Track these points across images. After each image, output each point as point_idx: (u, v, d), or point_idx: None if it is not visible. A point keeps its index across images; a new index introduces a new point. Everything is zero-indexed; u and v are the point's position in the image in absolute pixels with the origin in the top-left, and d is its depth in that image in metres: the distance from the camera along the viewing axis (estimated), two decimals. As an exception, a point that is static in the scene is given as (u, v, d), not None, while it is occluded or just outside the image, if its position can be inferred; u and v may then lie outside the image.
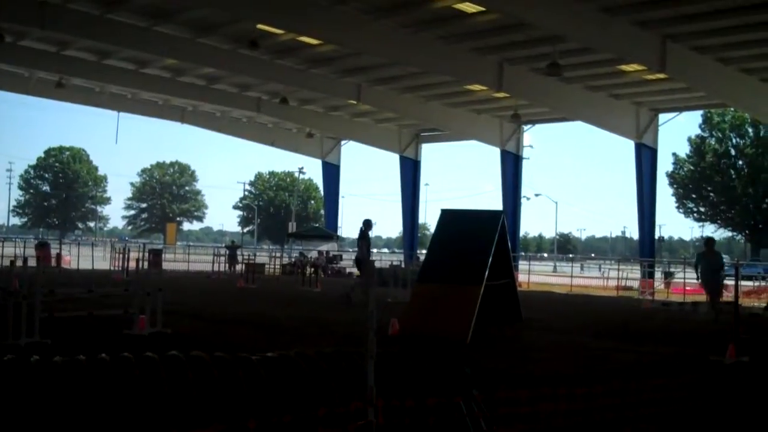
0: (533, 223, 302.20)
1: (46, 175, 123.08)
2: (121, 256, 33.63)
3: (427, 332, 13.09)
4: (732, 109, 59.87)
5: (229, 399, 4.88)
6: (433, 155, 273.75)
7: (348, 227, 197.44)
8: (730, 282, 21.29)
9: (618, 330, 16.16)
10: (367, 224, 21.38)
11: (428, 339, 12.52)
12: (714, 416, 5.55)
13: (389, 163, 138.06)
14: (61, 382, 5.14)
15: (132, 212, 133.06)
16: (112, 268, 34.25)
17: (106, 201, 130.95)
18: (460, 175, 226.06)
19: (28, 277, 12.46)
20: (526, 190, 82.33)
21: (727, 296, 20.19)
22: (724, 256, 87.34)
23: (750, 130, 69.20)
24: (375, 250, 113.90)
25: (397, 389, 4.72)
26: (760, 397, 5.93)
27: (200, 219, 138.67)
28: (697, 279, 21.50)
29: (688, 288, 29.56)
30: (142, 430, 4.77)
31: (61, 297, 15.35)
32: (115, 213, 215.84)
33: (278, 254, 49.03)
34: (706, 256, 20.24)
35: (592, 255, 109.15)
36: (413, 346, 10.67)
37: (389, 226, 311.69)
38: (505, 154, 41.67)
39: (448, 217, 16.30)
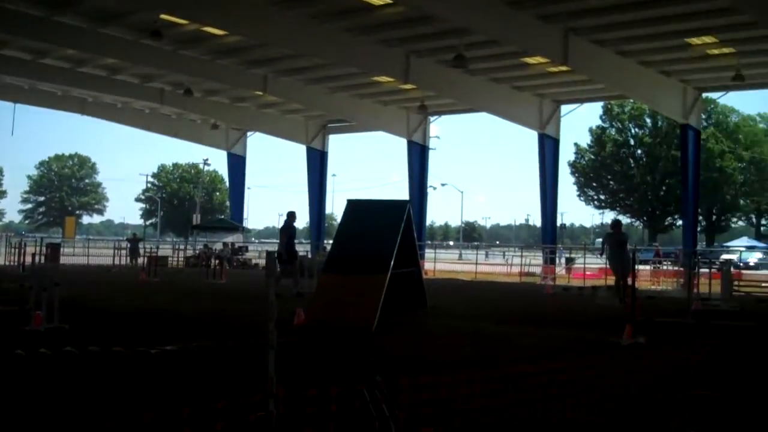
0: (439, 212, 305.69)
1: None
2: (17, 250, 32.51)
3: (334, 321, 13.09)
4: (631, 100, 61.70)
5: (127, 394, 4.76)
6: (340, 146, 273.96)
7: (254, 219, 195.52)
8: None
9: (520, 315, 16.49)
10: (290, 216, 21.24)
11: (334, 328, 12.52)
12: (613, 395, 5.71)
13: (296, 154, 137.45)
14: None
15: (29, 206, 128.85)
16: (7, 263, 33.11)
17: (2, 194, 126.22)
18: (368, 165, 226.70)
19: None
20: (432, 179, 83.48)
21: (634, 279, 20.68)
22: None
23: (648, 120, 71.62)
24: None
25: (300, 379, 4.69)
26: (656, 377, 6.12)
27: (101, 212, 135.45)
28: (604, 260, 22.00)
29: (588, 273, 30.40)
30: (28, 428, 4.60)
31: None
32: (12, 207, 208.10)
33: (182, 247, 48.13)
34: (613, 237, 20.60)
35: (497, 242, 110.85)
36: (317, 336, 10.64)
37: (297, 217, 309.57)
38: (411, 145, 41.96)
39: (354, 207, 16.32)
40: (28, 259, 29.26)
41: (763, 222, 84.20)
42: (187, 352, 5.39)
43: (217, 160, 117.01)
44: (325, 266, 15.69)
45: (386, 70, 32.41)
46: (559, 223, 48.86)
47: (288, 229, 21.25)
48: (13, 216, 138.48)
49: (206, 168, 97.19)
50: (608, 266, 22.05)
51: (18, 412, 4.73)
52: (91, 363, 5.15)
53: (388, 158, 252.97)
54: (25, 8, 27.44)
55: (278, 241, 22.37)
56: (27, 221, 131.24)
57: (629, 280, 18.48)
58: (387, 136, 47.08)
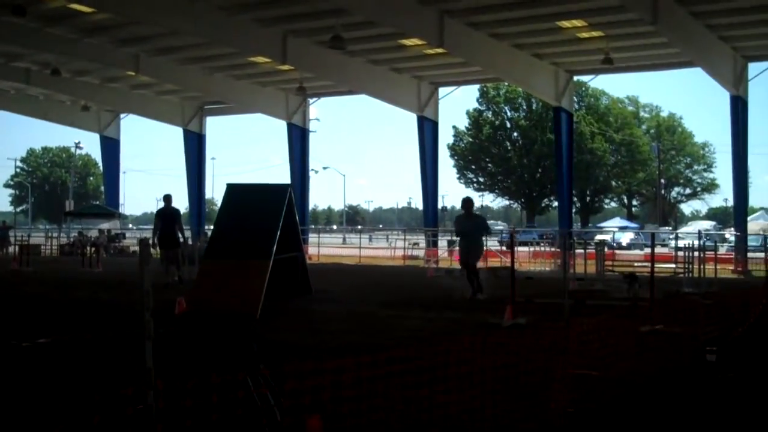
0: (322, 196, 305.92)
1: None
2: None
3: (217, 309, 12.84)
4: (506, 83, 63.02)
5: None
6: (218, 129, 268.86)
7: (131, 205, 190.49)
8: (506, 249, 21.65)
9: (405, 299, 16.60)
10: (165, 199, 20.38)
11: (217, 315, 12.28)
12: (496, 376, 5.77)
13: (173, 136, 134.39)
14: None
15: None
16: None
17: None
18: (248, 149, 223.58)
19: None
20: (314, 163, 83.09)
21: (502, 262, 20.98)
22: (501, 223, 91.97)
23: (523, 103, 73.26)
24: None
25: (180, 370, 4.53)
26: (534, 357, 6.23)
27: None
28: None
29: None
30: None
31: None
32: None
33: (56, 234, 46.36)
34: (466, 219, 17.59)
35: (380, 226, 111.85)
36: (199, 324, 10.41)
37: (175, 201, 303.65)
38: (291, 127, 41.63)
39: (234, 191, 16.03)
40: None
41: (634, 203, 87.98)
42: (62, 344, 5.15)
43: (89, 144, 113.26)
44: (206, 252, 15.38)
45: (263, 51, 31.96)
46: (440, 205, 49.60)
47: (163, 214, 20.09)
48: None
49: (78, 152, 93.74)
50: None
51: None
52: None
53: (268, 141, 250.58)
54: None
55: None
56: None
57: (478, 265, 17.49)
58: (266, 119, 46.61)
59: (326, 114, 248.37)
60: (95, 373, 4.97)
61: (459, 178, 77.80)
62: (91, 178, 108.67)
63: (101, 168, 63.21)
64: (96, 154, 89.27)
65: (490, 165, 76.13)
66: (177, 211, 20.85)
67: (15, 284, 20.09)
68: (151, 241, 19.05)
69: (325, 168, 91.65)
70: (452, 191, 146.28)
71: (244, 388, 4.69)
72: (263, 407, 4.89)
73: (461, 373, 5.55)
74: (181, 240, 19.87)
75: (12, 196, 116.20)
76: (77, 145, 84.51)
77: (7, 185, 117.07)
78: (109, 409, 3.94)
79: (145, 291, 3.92)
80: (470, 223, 17.38)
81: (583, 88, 67.22)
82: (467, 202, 17.88)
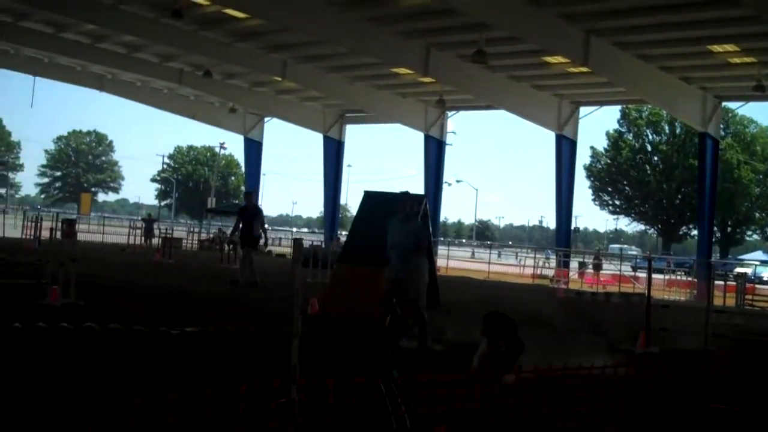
0: (453, 208, 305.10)
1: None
2: (33, 224, 32.67)
3: (346, 313, 13.10)
4: (649, 105, 61.40)
5: (148, 372, 4.78)
6: (356, 136, 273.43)
7: (268, 205, 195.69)
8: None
9: (533, 317, 16.43)
10: (247, 197, 20.14)
11: (347, 319, 12.53)
12: (628, 404, 5.69)
13: (312, 142, 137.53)
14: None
15: (46, 180, 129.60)
16: (24, 236, 33.28)
17: (19, 168, 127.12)
18: (382, 158, 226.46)
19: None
20: (447, 175, 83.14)
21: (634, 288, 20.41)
22: (635, 248, 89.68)
23: (666, 127, 71.15)
24: (295, 229, 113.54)
25: (318, 369, 4.69)
26: (670, 388, 6.09)
27: (116, 190, 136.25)
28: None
29: (603, 279, 30.34)
30: (54, 401, 4.63)
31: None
32: (28, 180, 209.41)
33: (196, 230, 48.27)
34: (401, 224, 11.72)
35: (510, 243, 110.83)
36: (334, 326, 10.65)
37: (310, 206, 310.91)
38: (428, 139, 41.85)
39: (371, 199, 16.30)
40: (45, 234, 29.43)
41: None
42: (207, 335, 5.43)
43: (233, 144, 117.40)
44: (340, 257, 15.71)
45: (406, 62, 32.28)
46: (573, 226, 48.77)
47: (243, 212, 19.50)
48: (29, 189, 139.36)
49: (222, 152, 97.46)
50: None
51: (39, 383, 4.76)
52: (112, 339, 5.19)
53: (402, 151, 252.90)
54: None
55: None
56: (43, 195, 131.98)
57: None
58: (403, 129, 47.05)
59: (462, 127, 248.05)
60: (240, 364, 5.22)
61: (594, 200, 76.35)
62: (233, 178, 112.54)
63: (243, 168, 65.45)
64: (238, 155, 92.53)
65: (627, 188, 74.29)
66: (259, 209, 20.30)
67: (158, 275, 21.03)
68: (228, 239, 19.04)
69: (458, 181, 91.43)
70: (586, 213, 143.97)
71: (379, 392, 4.81)
72: (395, 413, 5.01)
73: (590, 397, 5.50)
74: (262, 240, 19.36)
75: (157, 191, 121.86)
76: (222, 146, 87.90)
77: (153, 180, 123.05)
78: (253, 400, 4.13)
79: (295, 290, 4.09)
80: (403, 230, 11.68)
81: (730, 115, 64.77)
82: (406, 198, 12.42)
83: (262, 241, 19.72)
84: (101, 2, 29.29)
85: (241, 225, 19.49)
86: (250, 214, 19.23)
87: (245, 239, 19.37)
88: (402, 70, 34.64)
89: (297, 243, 4.57)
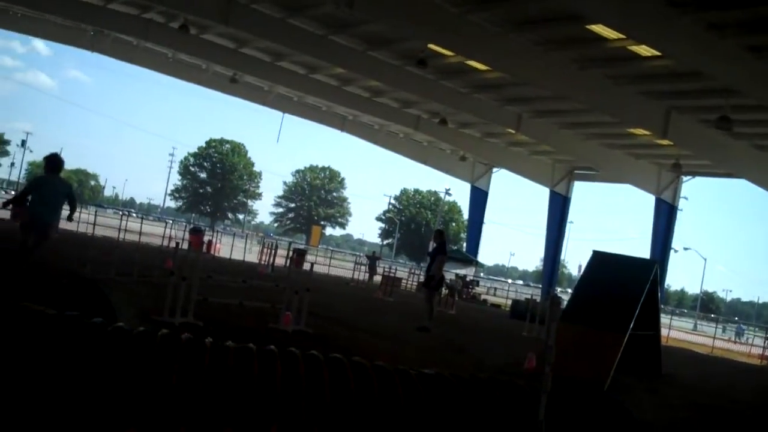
0: (676, 277, 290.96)
1: (205, 164, 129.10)
2: (268, 251, 34.68)
3: (565, 372, 12.92)
4: None
5: (371, 409, 5.04)
6: (580, 192, 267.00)
7: (485, 254, 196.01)
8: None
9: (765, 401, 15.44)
10: (439, 235, 19.29)
11: (565, 379, 12.38)
12: None
13: (536, 194, 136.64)
14: (211, 363, 5.47)
15: (280, 210, 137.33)
16: (260, 261, 35.36)
17: (258, 196, 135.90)
18: (605, 217, 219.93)
19: (187, 260, 13.05)
20: (675, 242, 79.73)
21: None
22: None
23: None
24: (510, 281, 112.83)
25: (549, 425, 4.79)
26: None
27: (343, 225, 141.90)
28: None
29: None
30: (274, 419, 5.01)
31: (215, 283, 16.00)
32: (264, 209, 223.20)
33: (417, 271, 49.31)
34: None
35: (736, 318, 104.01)
36: (558, 384, 10.57)
37: (526, 258, 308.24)
38: (660, 203, 40.47)
39: (599, 259, 16.03)
40: (278, 261, 31.26)
41: None
42: (442, 379, 5.65)
43: (456, 191, 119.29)
44: (564, 315, 15.55)
45: (643, 123, 31.53)
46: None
47: (437, 252, 18.62)
48: (264, 217, 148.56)
49: (446, 198, 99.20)
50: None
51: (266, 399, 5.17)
52: (335, 369, 5.53)
53: (626, 213, 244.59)
54: (308, 26, 29.56)
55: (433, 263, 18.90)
56: (276, 224, 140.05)
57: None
58: (629, 190, 45.80)
59: (694, 193, 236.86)
60: (475, 412, 5.39)
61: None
62: (453, 224, 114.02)
63: (465, 215, 66.18)
64: (461, 201, 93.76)
65: None
66: (434, 250, 19.13)
67: (379, 311, 21.69)
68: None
69: (686, 249, 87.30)
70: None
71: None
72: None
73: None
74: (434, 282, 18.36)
75: (381, 230, 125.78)
76: (447, 192, 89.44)
77: (378, 218, 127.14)
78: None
79: (548, 346, 4.21)
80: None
81: None
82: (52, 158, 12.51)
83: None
84: (352, 48, 30.99)
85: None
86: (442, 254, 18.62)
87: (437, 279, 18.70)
88: (638, 131, 33.89)
89: (554, 300, 4.69)
